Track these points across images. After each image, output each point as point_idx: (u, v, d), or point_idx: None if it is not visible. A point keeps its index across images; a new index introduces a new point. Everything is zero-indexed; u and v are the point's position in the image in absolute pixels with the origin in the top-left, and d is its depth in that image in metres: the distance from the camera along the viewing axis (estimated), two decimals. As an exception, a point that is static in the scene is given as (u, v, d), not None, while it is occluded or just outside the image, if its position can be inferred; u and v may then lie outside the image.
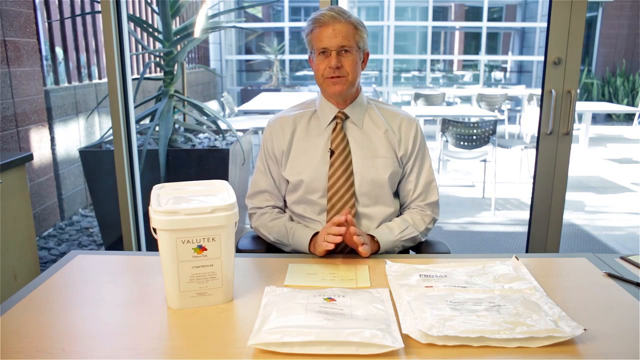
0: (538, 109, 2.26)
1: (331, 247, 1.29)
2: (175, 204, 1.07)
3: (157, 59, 3.47)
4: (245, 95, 9.40)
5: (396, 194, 1.55)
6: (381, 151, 1.47)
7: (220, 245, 1.05)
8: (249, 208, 1.57)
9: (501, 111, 7.26)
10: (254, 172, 1.58)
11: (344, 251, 1.46)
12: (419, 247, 1.55)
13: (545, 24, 2.17)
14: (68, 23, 4.17)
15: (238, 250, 1.52)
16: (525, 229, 2.73)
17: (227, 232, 1.06)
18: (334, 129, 1.48)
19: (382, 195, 1.48)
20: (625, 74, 9.54)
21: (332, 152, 1.46)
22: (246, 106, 6.25)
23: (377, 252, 1.40)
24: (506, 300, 1.04)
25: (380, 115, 1.51)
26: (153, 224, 1.03)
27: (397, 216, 1.54)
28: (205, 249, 1.05)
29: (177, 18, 3.53)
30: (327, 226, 1.32)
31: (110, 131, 2.48)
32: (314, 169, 1.46)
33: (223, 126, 3.55)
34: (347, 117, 1.48)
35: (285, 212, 1.56)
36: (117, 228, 2.54)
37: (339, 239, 1.27)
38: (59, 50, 4.07)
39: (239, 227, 1.11)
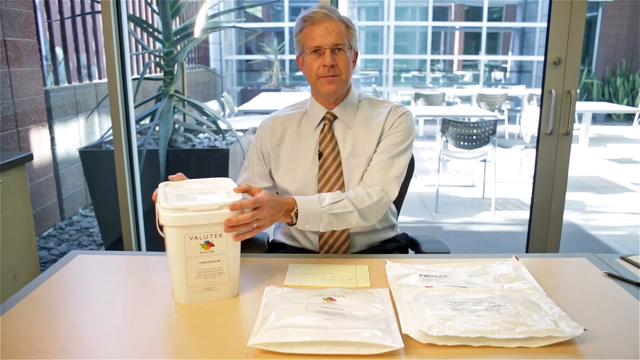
0: (538, 109, 2.26)
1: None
2: (181, 200, 1.08)
3: (157, 59, 3.47)
4: (245, 95, 9.41)
5: None
6: (367, 150, 1.44)
7: (227, 241, 1.07)
8: None
9: (501, 111, 7.26)
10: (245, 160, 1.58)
11: (341, 251, 1.47)
12: (419, 247, 1.55)
13: (545, 24, 2.17)
14: (68, 23, 4.18)
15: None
16: (525, 229, 2.73)
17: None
18: (322, 130, 1.46)
19: None
20: (625, 74, 9.54)
21: (320, 154, 1.44)
22: (246, 106, 6.25)
23: (293, 223, 1.26)
24: (506, 300, 1.04)
25: (371, 113, 1.47)
26: (161, 221, 1.04)
27: (395, 217, 1.53)
28: (213, 245, 1.06)
29: (177, 18, 3.53)
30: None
31: (110, 131, 2.48)
32: (304, 172, 1.45)
33: (223, 126, 3.56)
34: (335, 117, 1.46)
35: None
36: (117, 228, 2.54)
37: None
38: (59, 50, 4.07)
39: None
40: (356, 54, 1.45)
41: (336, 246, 1.45)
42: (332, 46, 1.35)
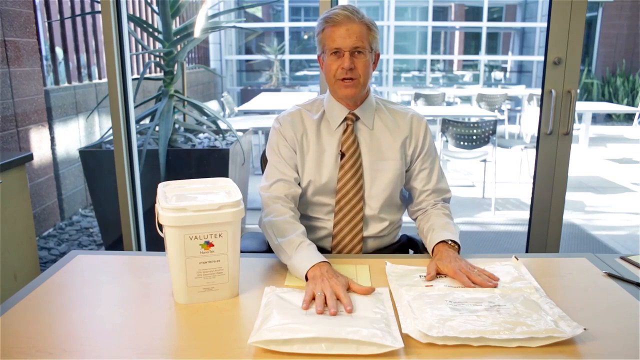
0: (538, 109, 2.26)
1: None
2: (181, 201, 1.08)
3: (157, 59, 3.47)
4: (245, 95, 9.40)
5: (402, 194, 1.53)
6: (390, 153, 1.45)
7: (227, 241, 1.07)
8: (264, 198, 1.43)
9: (501, 111, 7.26)
10: (266, 169, 1.49)
11: (354, 252, 1.46)
12: (419, 247, 1.55)
13: (545, 24, 2.17)
14: (68, 23, 4.17)
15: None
16: (525, 229, 2.73)
17: (233, 228, 1.07)
18: (344, 131, 1.45)
19: (390, 198, 1.46)
20: (625, 74, 9.54)
21: (342, 154, 1.43)
22: (246, 106, 6.25)
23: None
24: (506, 300, 1.04)
25: (389, 115, 1.48)
26: (161, 221, 1.04)
27: (416, 218, 1.53)
28: (213, 245, 1.06)
29: (177, 18, 3.53)
30: (338, 285, 1.09)
31: (110, 131, 2.48)
32: (325, 171, 1.44)
33: (223, 126, 3.56)
34: (357, 118, 1.45)
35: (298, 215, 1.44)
36: (117, 228, 2.54)
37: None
38: (59, 50, 4.07)
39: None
40: (377, 56, 1.44)
41: (349, 247, 1.45)
42: (351, 49, 1.34)
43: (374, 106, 1.49)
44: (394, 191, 1.46)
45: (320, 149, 1.45)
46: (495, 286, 1.13)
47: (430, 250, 1.35)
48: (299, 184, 1.46)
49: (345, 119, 1.45)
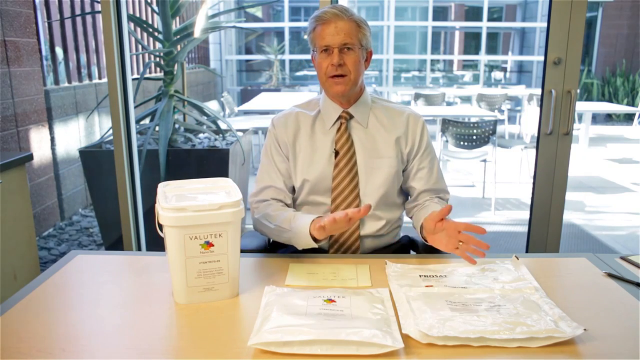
0: (538, 109, 2.26)
1: (334, 221, 1.19)
2: (181, 201, 1.08)
3: (157, 59, 3.47)
4: (245, 95, 9.41)
5: (400, 193, 1.54)
6: (386, 151, 1.45)
7: (227, 241, 1.07)
8: (252, 204, 1.50)
9: (501, 111, 7.26)
10: (258, 171, 1.53)
11: (350, 251, 1.47)
12: (419, 247, 1.55)
13: (545, 24, 2.17)
14: (68, 23, 4.17)
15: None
16: (525, 229, 2.73)
17: (233, 228, 1.07)
18: (338, 129, 1.46)
19: (386, 196, 1.46)
20: (625, 74, 9.54)
21: (336, 153, 1.44)
22: (246, 106, 6.25)
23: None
24: (506, 300, 1.04)
25: (385, 113, 1.49)
26: (161, 221, 1.04)
27: (412, 215, 1.53)
28: (213, 245, 1.06)
29: (177, 18, 3.53)
30: (338, 215, 1.19)
31: (110, 131, 2.48)
32: (319, 170, 1.44)
33: (223, 126, 3.56)
34: (351, 116, 1.46)
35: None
36: (117, 228, 2.54)
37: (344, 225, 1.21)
38: (59, 50, 4.07)
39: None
40: (370, 54, 1.45)
41: (346, 246, 1.46)
42: (340, 46, 1.35)
43: (369, 105, 1.49)
44: (390, 189, 1.46)
45: (313, 148, 1.46)
46: (483, 255, 1.25)
47: (419, 228, 1.40)
48: (293, 186, 1.49)
49: (340, 117, 1.46)
